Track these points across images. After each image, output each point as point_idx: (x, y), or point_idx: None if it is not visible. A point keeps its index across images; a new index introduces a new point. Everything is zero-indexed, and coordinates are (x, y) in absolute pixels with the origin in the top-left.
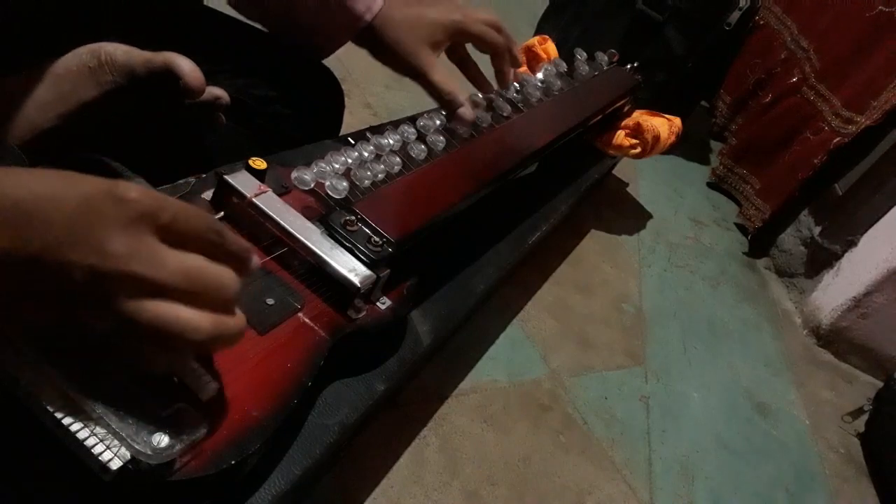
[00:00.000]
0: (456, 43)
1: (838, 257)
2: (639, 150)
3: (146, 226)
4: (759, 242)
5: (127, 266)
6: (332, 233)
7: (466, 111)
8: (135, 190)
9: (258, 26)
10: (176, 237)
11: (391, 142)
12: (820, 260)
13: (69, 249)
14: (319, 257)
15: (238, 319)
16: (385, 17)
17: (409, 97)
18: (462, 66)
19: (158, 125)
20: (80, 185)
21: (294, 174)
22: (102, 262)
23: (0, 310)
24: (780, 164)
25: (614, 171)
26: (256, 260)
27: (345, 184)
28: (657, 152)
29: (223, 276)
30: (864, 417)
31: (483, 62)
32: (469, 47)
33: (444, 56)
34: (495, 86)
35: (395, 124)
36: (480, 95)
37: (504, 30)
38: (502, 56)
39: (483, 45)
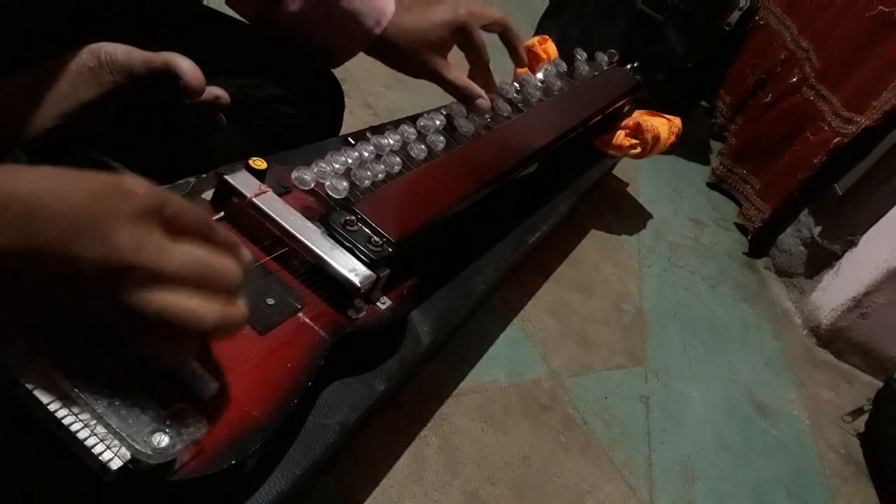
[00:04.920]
0: (467, 44)
1: (838, 257)
2: (639, 150)
3: (151, 219)
4: (759, 242)
5: (135, 258)
6: (332, 233)
7: (483, 101)
8: (139, 184)
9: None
10: (178, 230)
11: (391, 142)
12: (820, 260)
13: (76, 243)
14: (319, 257)
15: (241, 308)
16: (394, 27)
17: (409, 97)
18: (469, 61)
19: (158, 125)
20: (85, 179)
21: (294, 174)
22: (110, 255)
23: (5, 305)
24: (780, 164)
25: (614, 171)
26: (247, 253)
27: (345, 184)
28: (657, 152)
29: (227, 264)
30: (864, 417)
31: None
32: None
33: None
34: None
35: (395, 124)
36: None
37: (512, 29)
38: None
39: (484, 49)
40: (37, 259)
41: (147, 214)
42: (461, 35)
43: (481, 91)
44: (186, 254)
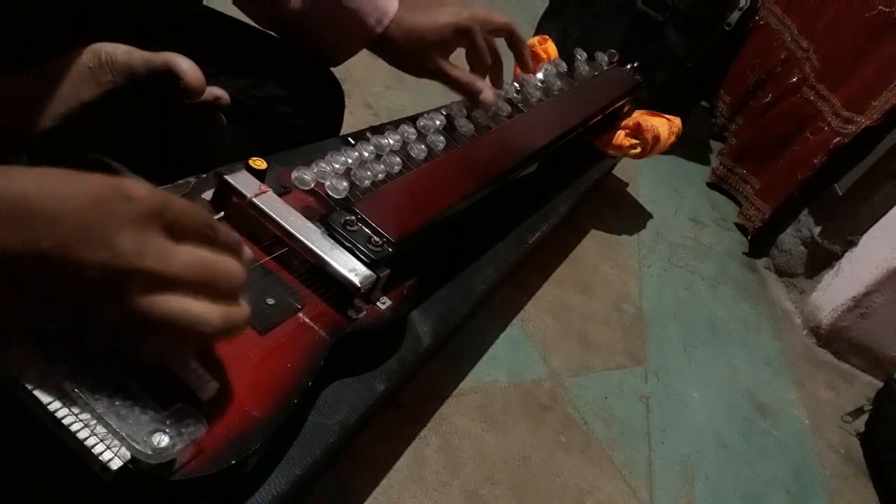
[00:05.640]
0: (471, 47)
1: (838, 257)
2: (639, 150)
3: (154, 222)
4: (759, 242)
5: (139, 262)
6: (332, 233)
7: (488, 95)
8: (141, 187)
9: (259, 27)
10: (180, 232)
11: (391, 142)
12: (820, 260)
13: (80, 247)
14: (319, 257)
15: (244, 309)
16: (396, 26)
17: (409, 97)
18: (469, 62)
19: (158, 125)
20: (87, 183)
21: (294, 174)
22: (114, 260)
23: (7, 309)
24: (780, 164)
25: (614, 171)
26: (249, 251)
27: (345, 184)
28: (657, 152)
29: (230, 266)
30: (864, 417)
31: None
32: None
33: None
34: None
35: (395, 124)
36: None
37: (517, 34)
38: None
39: (474, 59)
40: (40, 263)
41: (149, 218)
42: (464, 38)
43: (484, 85)
44: (189, 257)
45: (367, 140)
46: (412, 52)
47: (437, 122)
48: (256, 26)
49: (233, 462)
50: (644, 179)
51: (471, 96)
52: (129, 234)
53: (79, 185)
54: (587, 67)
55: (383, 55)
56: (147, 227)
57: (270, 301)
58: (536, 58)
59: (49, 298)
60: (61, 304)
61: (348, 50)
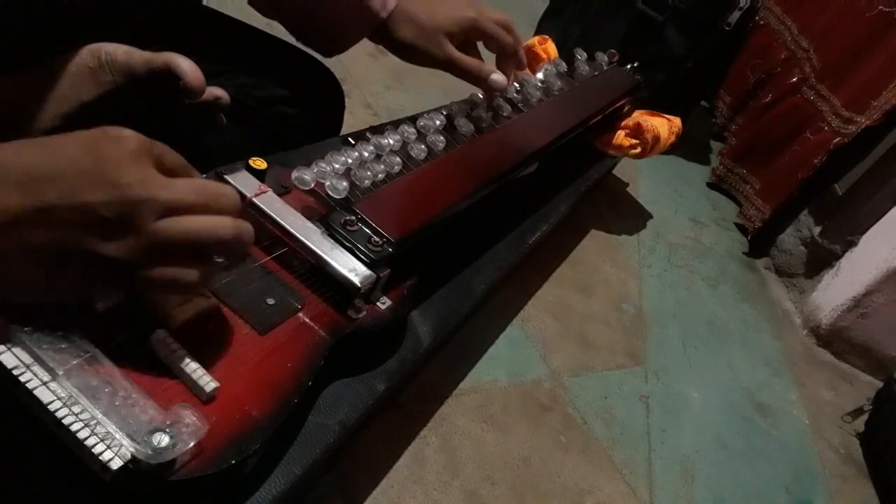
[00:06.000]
0: (467, 41)
1: (838, 257)
2: (639, 150)
3: (146, 157)
4: (759, 242)
5: (147, 192)
6: (332, 233)
7: (498, 77)
8: (126, 130)
9: (258, 26)
10: (169, 168)
11: (391, 142)
12: (820, 260)
13: (86, 192)
14: (319, 257)
15: (248, 225)
16: (401, 13)
17: (409, 97)
18: (491, 49)
19: (158, 125)
20: (76, 135)
21: (294, 174)
22: (122, 194)
23: (23, 278)
24: (780, 164)
25: (614, 171)
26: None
27: (345, 184)
28: (657, 152)
29: (225, 188)
30: (864, 417)
31: (489, 60)
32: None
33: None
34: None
35: (395, 124)
36: (481, 95)
37: (514, 31)
38: (509, 58)
39: (493, 44)
40: (51, 219)
41: (141, 154)
42: (470, 30)
43: (492, 68)
44: (187, 183)
45: (367, 140)
46: (417, 41)
47: (437, 122)
48: (256, 26)
49: (233, 462)
50: (644, 179)
51: (479, 81)
52: (129, 169)
53: (71, 139)
54: (587, 67)
55: (388, 45)
56: (142, 162)
57: (270, 301)
58: (536, 58)
59: (64, 250)
60: (76, 259)
61: (352, 37)
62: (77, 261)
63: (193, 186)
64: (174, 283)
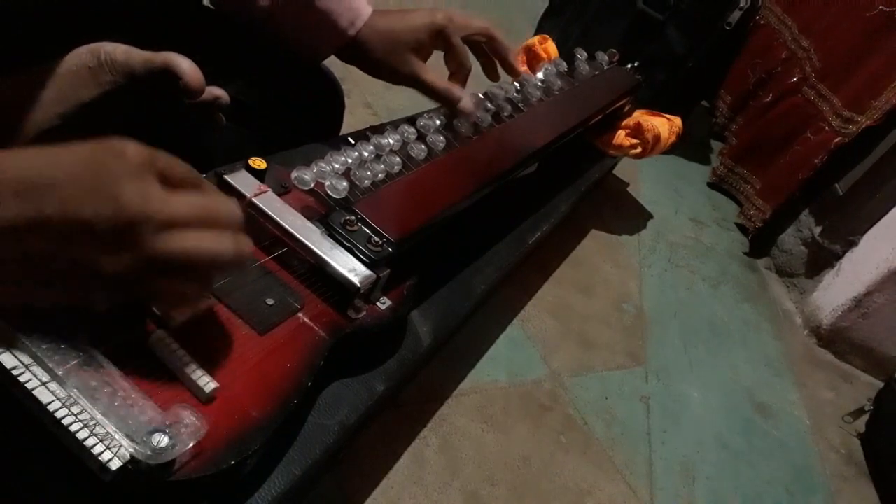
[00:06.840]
0: (447, 48)
1: (839, 257)
2: (639, 149)
3: (148, 173)
4: (760, 242)
5: (146, 208)
6: (332, 233)
7: (466, 103)
8: (130, 143)
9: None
10: (172, 182)
11: (391, 142)
12: (820, 260)
13: (85, 206)
14: (319, 257)
15: (249, 241)
16: (369, 30)
17: (409, 97)
18: (449, 68)
19: (158, 125)
20: (79, 147)
21: (294, 174)
22: (121, 211)
23: (17, 283)
24: (780, 164)
25: (614, 171)
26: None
27: (345, 184)
28: (657, 152)
29: (227, 204)
30: (865, 417)
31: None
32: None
33: (438, 55)
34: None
35: (395, 124)
36: (480, 95)
37: (497, 38)
38: (492, 68)
39: (452, 62)
40: (49, 231)
41: (143, 169)
42: (440, 41)
43: (462, 93)
44: (189, 198)
45: (367, 140)
46: (387, 57)
47: (437, 122)
48: None
49: (232, 462)
50: (644, 179)
51: (448, 104)
52: (129, 185)
53: (72, 150)
54: (587, 67)
55: (358, 63)
56: (143, 177)
57: (270, 301)
58: (536, 58)
59: (62, 263)
60: (74, 265)
61: (320, 52)
62: (74, 272)
63: (193, 202)
64: (171, 297)
